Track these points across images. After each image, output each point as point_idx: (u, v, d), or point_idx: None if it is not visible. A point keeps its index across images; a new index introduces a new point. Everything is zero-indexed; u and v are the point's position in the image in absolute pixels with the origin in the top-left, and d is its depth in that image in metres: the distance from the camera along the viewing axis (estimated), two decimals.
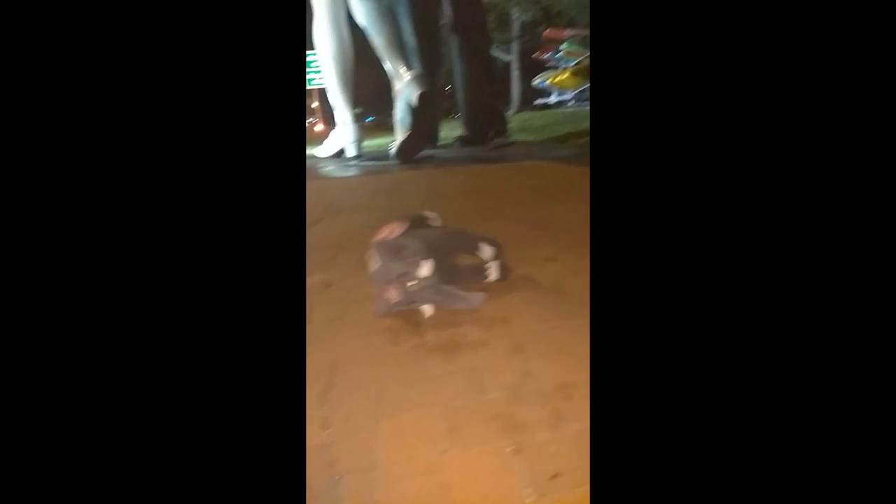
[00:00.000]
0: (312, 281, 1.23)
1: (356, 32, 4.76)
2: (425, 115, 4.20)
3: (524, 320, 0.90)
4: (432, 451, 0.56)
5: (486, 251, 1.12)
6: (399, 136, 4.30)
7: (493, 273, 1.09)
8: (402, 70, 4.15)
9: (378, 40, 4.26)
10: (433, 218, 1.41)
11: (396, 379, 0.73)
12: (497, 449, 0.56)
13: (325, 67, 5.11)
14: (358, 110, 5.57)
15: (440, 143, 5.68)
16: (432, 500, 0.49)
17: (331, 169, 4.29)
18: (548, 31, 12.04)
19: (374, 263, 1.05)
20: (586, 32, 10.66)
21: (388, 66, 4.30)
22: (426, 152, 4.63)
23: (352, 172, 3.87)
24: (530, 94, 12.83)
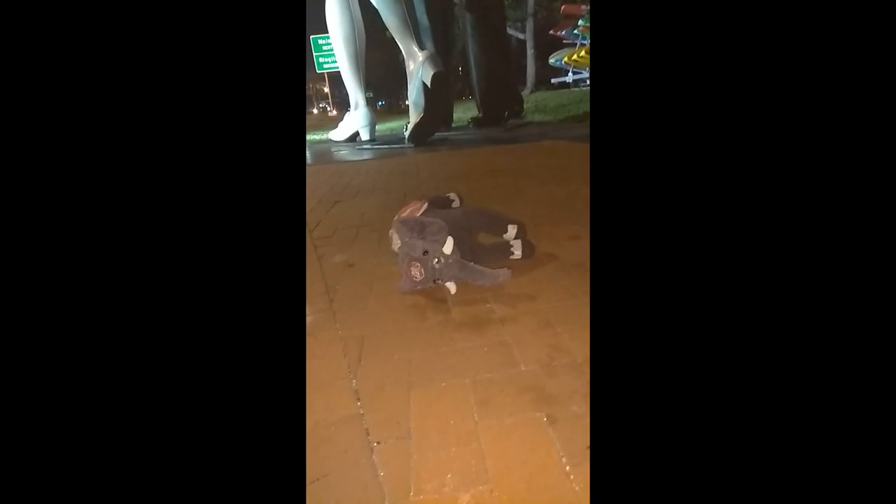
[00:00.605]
0: (335, 261, 1.24)
1: (368, 13, 4.68)
2: (439, 96, 4.13)
3: (551, 297, 0.89)
4: (465, 420, 0.57)
5: (510, 229, 1.11)
6: (413, 118, 4.25)
7: (517, 251, 1.07)
8: (416, 50, 4.07)
9: (391, 20, 4.17)
10: (454, 198, 1.40)
11: (425, 353, 0.74)
12: (531, 419, 0.56)
13: (337, 49, 5.05)
14: (369, 94, 5.52)
15: (454, 124, 5.60)
16: (468, 468, 0.50)
17: (346, 152, 4.28)
18: (565, 6, 11.62)
19: (398, 241, 1.04)
20: None
21: (401, 46, 4.22)
22: (440, 134, 4.57)
23: (367, 156, 3.85)
24: (546, 73, 12.49)
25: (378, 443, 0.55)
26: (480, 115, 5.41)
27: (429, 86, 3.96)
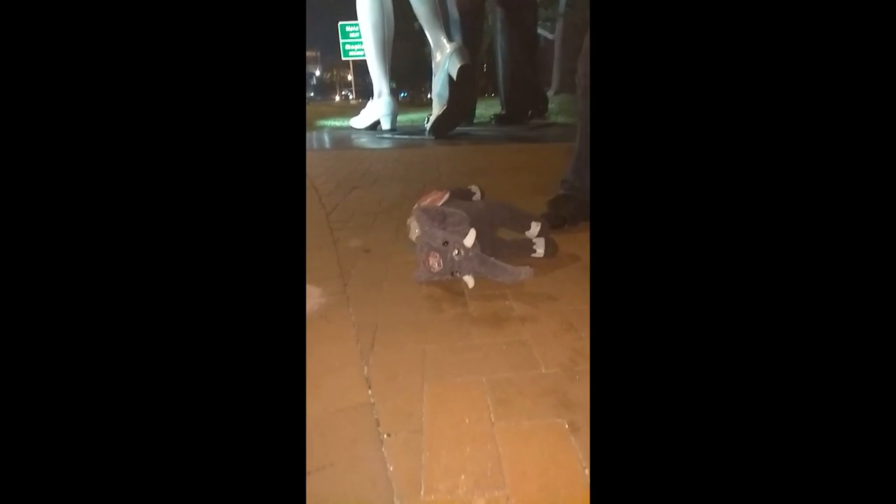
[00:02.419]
0: (351, 245, 1.22)
1: (398, 2, 4.64)
2: (464, 90, 4.07)
3: (573, 299, 0.85)
4: (481, 420, 0.54)
5: (533, 227, 1.07)
6: (435, 109, 4.21)
7: (539, 249, 1.03)
8: (444, 41, 4.02)
9: (421, 10, 4.12)
10: (475, 191, 1.36)
11: (440, 345, 0.71)
12: (551, 425, 0.52)
13: (364, 36, 5.03)
14: (393, 84, 5.48)
15: (476, 120, 5.54)
16: (483, 470, 0.47)
17: (366, 140, 4.26)
18: None
19: (417, 230, 1.01)
20: None
21: (429, 37, 4.18)
22: (461, 129, 4.52)
23: (386, 145, 3.83)
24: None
25: (388, 435, 0.52)
26: (503, 112, 5.34)
27: (454, 78, 3.91)
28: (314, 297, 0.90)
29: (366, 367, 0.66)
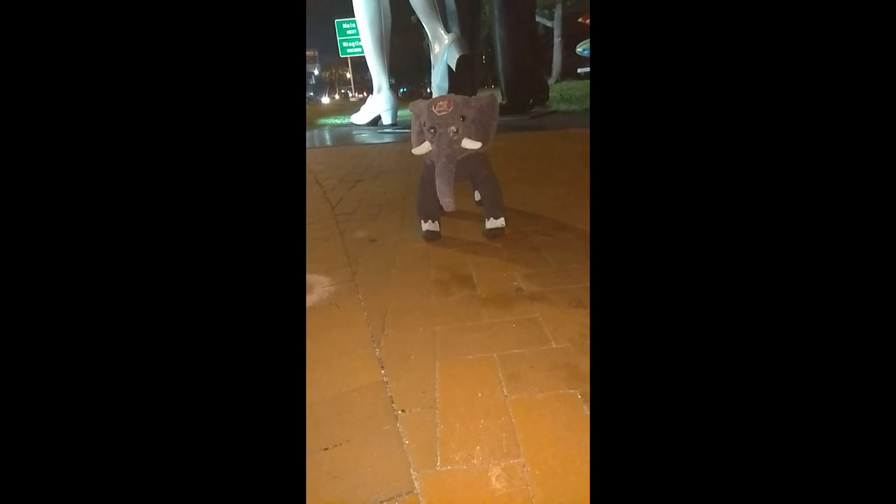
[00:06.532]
0: (357, 236, 1.23)
1: None
2: (464, 80, 4.06)
3: (581, 277, 0.85)
4: (494, 394, 0.54)
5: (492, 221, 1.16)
6: None
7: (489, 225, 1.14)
8: (442, 33, 4.00)
9: (418, 3, 4.11)
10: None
11: (450, 326, 0.71)
12: (564, 396, 0.53)
13: (362, 31, 5.01)
14: (392, 80, 5.45)
15: None
16: (498, 441, 0.47)
17: (367, 135, 4.26)
18: None
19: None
20: None
21: (427, 29, 4.16)
22: None
23: (388, 139, 3.82)
24: (573, 63, 12.16)
25: (403, 411, 0.53)
26: (504, 101, 5.30)
27: (453, 69, 3.90)
28: (324, 286, 0.91)
29: (378, 349, 0.66)
